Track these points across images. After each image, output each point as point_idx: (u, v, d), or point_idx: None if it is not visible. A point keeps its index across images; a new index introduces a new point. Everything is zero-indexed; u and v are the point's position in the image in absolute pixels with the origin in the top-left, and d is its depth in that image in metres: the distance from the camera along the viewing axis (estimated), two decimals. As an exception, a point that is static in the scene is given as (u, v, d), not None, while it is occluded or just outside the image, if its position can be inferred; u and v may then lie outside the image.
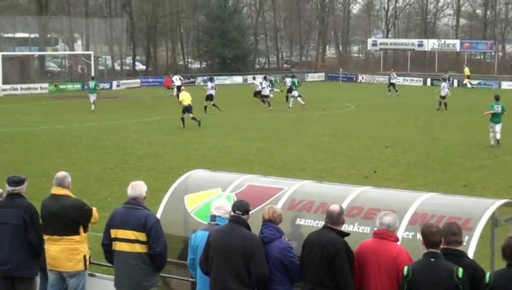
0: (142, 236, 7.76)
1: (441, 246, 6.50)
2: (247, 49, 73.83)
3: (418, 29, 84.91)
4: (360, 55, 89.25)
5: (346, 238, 7.04)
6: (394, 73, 53.19)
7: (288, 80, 43.47)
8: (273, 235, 7.20)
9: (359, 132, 29.61)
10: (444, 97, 39.81)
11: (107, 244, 7.97)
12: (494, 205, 7.97)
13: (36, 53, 58.53)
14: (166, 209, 9.30)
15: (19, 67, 52.82)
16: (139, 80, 60.62)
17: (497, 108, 25.89)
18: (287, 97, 41.89)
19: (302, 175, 17.72)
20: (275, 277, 7.11)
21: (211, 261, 7.17)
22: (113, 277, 8.24)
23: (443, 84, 40.88)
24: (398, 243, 7.00)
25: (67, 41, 61.58)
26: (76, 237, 8.39)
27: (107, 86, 55.47)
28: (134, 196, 7.95)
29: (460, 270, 6.28)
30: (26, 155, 22.27)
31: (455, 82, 61.31)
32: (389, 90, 50.68)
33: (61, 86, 52.91)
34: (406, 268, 6.49)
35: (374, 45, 78.18)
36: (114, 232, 7.89)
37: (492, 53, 74.31)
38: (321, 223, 7.42)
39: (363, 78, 69.73)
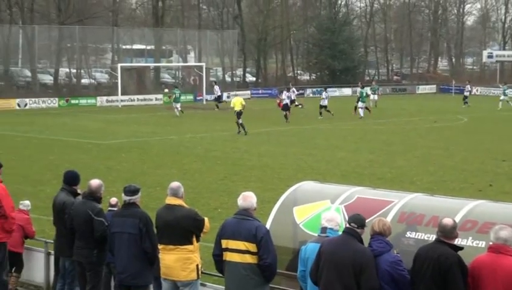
0: (252, 247, 7.84)
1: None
2: (357, 61, 73.36)
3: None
4: (475, 67, 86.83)
5: (459, 253, 6.87)
6: (469, 86, 52.19)
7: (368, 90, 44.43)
8: (383, 248, 7.12)
9: (473, 145, 28.77)
10: None
11: (218, 254, 8.08)
12: None
13: (152, 64, 60.45)
14: (275, 220, 9.35)
15: (136, 78, 54.70)
16: (249, 92, 61.38)
17: None
18: (367, 108, 42.38)
19: (412, 188, 17.39)
20: (385, 291, 7.03)
21: (321, 272, 7.16)
22: (223, 287, 8.36)
23: None
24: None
25: (181, 53, 63.25)
26: (190, 247, 8.53)
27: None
28: (246, 207, 8.04)
29: None
30: (141, 165, 22.97)
31: None
32: (464, 103, 50.10)
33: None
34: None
35: (490, 56, 75.85)
36: (225, 243, 7.99)
37: None
38: (432, 237, 7.28)
39: (477, 90, 67.66)
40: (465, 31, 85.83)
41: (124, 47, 59.93)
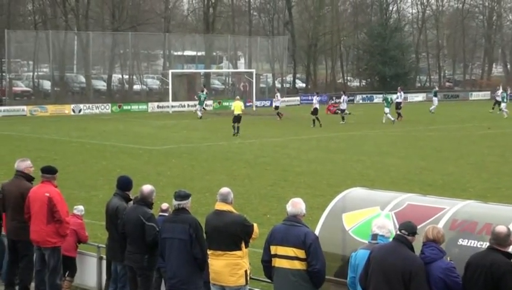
0: (301, 253, 7.84)
1: None
2: (408, 67, 72.67)
3: None
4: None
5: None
6: (499, 91, 51.06)
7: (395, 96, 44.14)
8: (435, 255, 7.05)
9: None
10: None
11: (267, 260, 8.09)
12: None
13: (202, 71, 60.91)
14: (324, 226, 9.32)
15: (187, 84, 55.20)
16: (298, 98, 61.35)
17: None
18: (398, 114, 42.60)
19: (465, 195, 17.13)
20: (437, 298, 6.96)
21: (370, 278, 7.13)
22: (272, 293, 8.38)
23: None
24: None
25: (231, 59, 63.59)
26: (239, 253, 8.57)
27: (267, 103, 56.65)
28: (295, 213, 8.05)
29: None
30: (191, 171, 23.15)
31: None
32: (493, 108, 49.53)
33: (224, 103, 54.67)
34: None
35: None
36: (274, 249, 8.00)
37: None
38: (485, 245, 7.19)
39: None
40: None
41: (175, 53, 60.57)
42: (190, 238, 8.52)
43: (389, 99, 42.29)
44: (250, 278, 8.95)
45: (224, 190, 8.77)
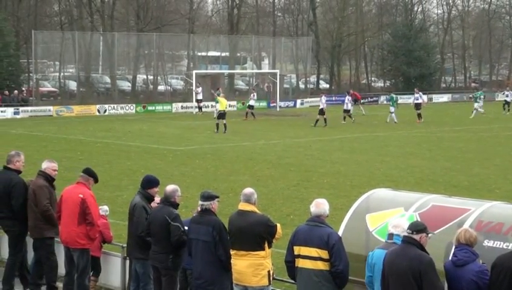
0: (324, 254, 7.84)
1: None
2: (433, 68, 72.16)
3: None
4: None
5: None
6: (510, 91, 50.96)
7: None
8: (468, 257, 7.05)
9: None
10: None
11: (290, 261, 8.10)
12: None
13: (226, 71, 61.00)
14: (348, 227, 9.30)
15: (211, 85, 55.35)
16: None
17: None
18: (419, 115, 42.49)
19: (491, 196, 16.97)
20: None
21: (387, 281, 7.17)
22: (295, 293, 8.37)
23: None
24: None
25: (255, 59, 63.63)
26: (262, 253, 8.58)
27: (291, 104, 56.62)
28: (318, 214, 8.05)
29: None
30: (215, 171, 23.20)
31: None
32: (504, 108, 49.60)
33: (248, 104, 54.64)
34: None
35: None
36: (297, 249, 8.01)
37: None
38: (511, 246, 7.12)
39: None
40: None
41: (199, 54, 60.74)
42: (214, 240, 8.56)
43: (395, 98, 42.93)
44: (273, 278, 8.95)
45: (248, 190, 8.79)
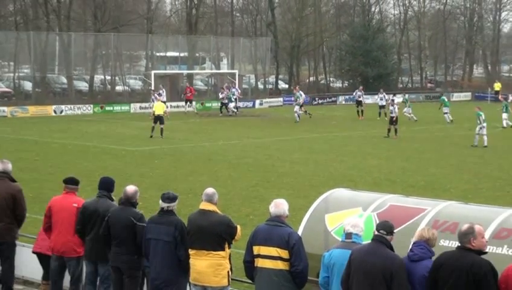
0: (284, 253, 7.87)
1: None
2: (390, 68, 72.95)
3: None
4: (511, 74, 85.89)
5: (493, 261, 6.81)
6: None
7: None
8: (424, 254, 7.13)
9: (509, 153, 28.42)
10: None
11: (249, 261, 8.12)
12: None
13: (185, 72, 60.77)
14: (307, 227, 9.37)
15: (169, 85, 55.05)
16: (281, 99, 61.40)
17: None
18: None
19: (446, 196, 17.24)
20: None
21: (352, 280, 7.16)
22: (253, 293, 8.38)
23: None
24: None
25: (214, 60, 63.52)
26: (222, 253, 8.61)
27: (250, 104, 56.66)
28: (278, 214, 8.08)
29: None
30: (174, 172, 23.12)
31: None
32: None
33: (207, 104, 54.61)
34: None
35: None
36: (257, 249, 8.03)
37: None
38: (468, 245, 7.23)
39: (515, 98, 66.93)
40: (501, 38, 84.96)
41: (157, 54, 60.39)
42: (175, 241, 8.55)
43: (446, 99, 44.02)
44: (232, 279, 8.96)
45: (210, 190, 8.81)
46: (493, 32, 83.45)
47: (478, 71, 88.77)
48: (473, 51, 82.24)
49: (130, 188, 9.32)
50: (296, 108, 43.14)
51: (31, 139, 32.50)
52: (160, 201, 8.74)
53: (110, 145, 30.04)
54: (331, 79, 76.51)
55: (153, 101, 37.66)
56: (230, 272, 8.75)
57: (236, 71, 57.06)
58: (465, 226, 6.93)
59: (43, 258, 10.62)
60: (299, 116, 42.46)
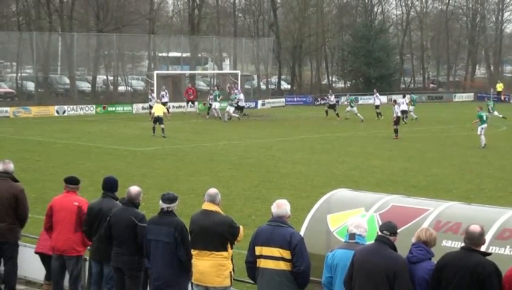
0: (287, 254, 7.86)
1: None
2: (392, 68, 72.93)
3: None
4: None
5: (495, 261, 6.80)
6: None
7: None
8: (423, 255, 7.11)
9: (511, 153, 28.39)
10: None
11: (252, 261, 8.11)
12: None
13: (187, 72, 60.76)
14: (309, 228, 9.36)
15: (172, 85, 55.04)
16: (283, 99, 61.41)
17: None
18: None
19: (448, 196, 17.23)
20: (421, 298, 7.00)
21: (355, 280, 7.16)
22: (256, 294, 8.38)
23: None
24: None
25: (216, 60, 63.52)
26: (225, 253, 8.61)
27: (252, 104, 56.65)
28: (280, 215, 8.07)
29: None
30: (176, 172, 23.11)
31: None
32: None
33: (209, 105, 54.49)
34: None
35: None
36: (259, 250, 8.02)
37: None
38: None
39: (517, 98, 66.97)
40: (503, 38, 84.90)
41: (160, 54, 60.38)
42: (175, 241, 8.53)
43: (493, 104, 43.48)
44: (234, 279, 8.96)
45: (213, 190, 8.81)
46: (496, 33, 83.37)
47: (480, 71, 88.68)
48: (475, 51, 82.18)
49: (134, 189, 9.33)
50: (230, 108, 42.88)
51: (34, 139, 32.52)
52: (160, 202, 8.74)
53: (112, 146, 30.05)
54: (333, 79, 76.47)
55: (151, 100, 37.65)
56: (232, 273, 8.74)
57: (238, 71, 57.05)
58: (477, 228, 6.90)
59: (45, 259, 10.63)
60: (230, 117, 42.17)
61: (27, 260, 11.10)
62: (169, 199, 8.73)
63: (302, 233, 8.91)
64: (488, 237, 7.62)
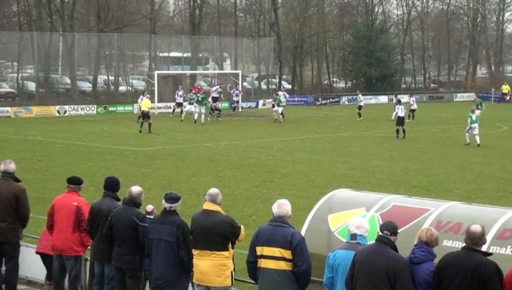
0: (287, 254, 7.87)
1: None
2: (393, 68, 72.92)
3: None
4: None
5: (496, 261, 6.80)
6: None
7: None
8: (425, 256, 7.11)
9: (512, 154, 28.42)
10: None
11: (253, 261, 8.11)
12: None
13: (188, 72, 60.76)
14: (310, 228, 9.36)
15: (172, 85, 55.03)
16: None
17: None
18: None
19: (449, 196, 17.24)
20: (422, 299, 7.00)
21: (356, 281, 7.16)
22: (257, 294, 8.38)
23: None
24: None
25: (217, 60, 63.52)
26: (226, 253, 8.62)
27: (253, 104, 56.64)
28: (281, 214, 8.07)
29: None
30: (177, 172, 23.11)
31: None
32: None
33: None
34: None
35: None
36: (260, 250, 8.03)
37: None
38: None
39: (517, 98, 66.91)
40: (504, 38, 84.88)
41: (161, 54, 60.38)
42: (177, 241, 8.54)
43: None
44: (235, 279, 8.96)
45: (214, 190, 8.81)
46: (496, 33, 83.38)
47: (481, 71, 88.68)
48: (476, 51, 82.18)
49: (135, 189, 9.34)
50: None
51: (35, 139, 32.53)
52: (163, 201, 8.75)
53: (113, 146, 30.06)
54: (334, 79, 76.48)
55: (142, 100, 37.68)
56: (233, 273, 8.74)
57: (239, 71, 57.03)
58: (478, 228, 6.89)
59: (46, 258, 10.64)
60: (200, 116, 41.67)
61: (28, 260, 11.11)
62: (172, 198, 8.73)
63: (303, 233, 8.90)
64: (489, 237, 7.62)
